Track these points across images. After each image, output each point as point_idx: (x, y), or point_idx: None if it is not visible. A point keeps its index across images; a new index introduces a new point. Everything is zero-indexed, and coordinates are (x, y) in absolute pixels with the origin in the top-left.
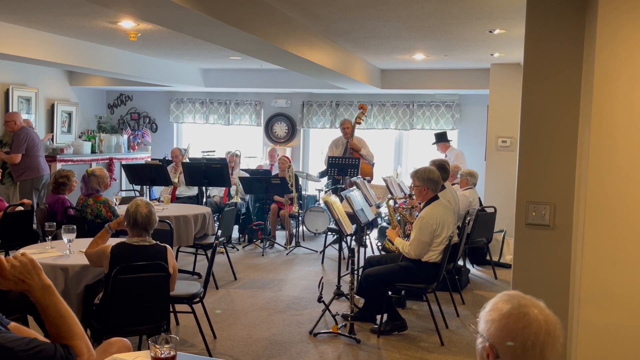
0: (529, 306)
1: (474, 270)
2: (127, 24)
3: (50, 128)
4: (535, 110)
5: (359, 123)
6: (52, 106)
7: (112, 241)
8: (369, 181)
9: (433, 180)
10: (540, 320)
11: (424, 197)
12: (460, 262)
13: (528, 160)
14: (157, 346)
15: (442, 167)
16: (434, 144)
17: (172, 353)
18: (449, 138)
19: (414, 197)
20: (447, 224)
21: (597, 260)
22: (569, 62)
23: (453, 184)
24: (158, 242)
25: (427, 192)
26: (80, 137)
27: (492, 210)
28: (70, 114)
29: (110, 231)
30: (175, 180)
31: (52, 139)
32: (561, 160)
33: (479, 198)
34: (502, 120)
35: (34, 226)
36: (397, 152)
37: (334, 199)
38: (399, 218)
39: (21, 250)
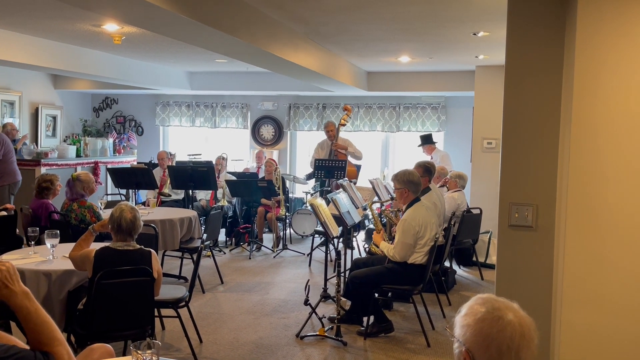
0: (502, 309)
1: (460, 272)
2: (111, 27)
3: (35, 132)
4: (517, 112)
5: (344, 125)
6: (37, 110)
7: (97, 245)
8: (355, 183)
9: (413, 182)
10: (514, 323)
11: (405, 200)
12: (447, 264)
13: (510, 162)
14: (138, 352)
15: (427, 169)
16: (419, 146)
17: (154, 359)
18: (434, 140)
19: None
20: (429, 224)
21: (579, 261)
22: (550, 64)
23: (440, 186)
24: (142, 246)
25: (408, 195)
26: (65, 140)
27: (478, 211)
28: (54, 118)
29: (94, 233)
30: (166, 190)
31: (29, 142)
32: (543, 162)
33: (466, 200)
34: (488, 121)
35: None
36: (384, 154)
37: (320, 201)
38: (384, 220)
39: (6, 256)
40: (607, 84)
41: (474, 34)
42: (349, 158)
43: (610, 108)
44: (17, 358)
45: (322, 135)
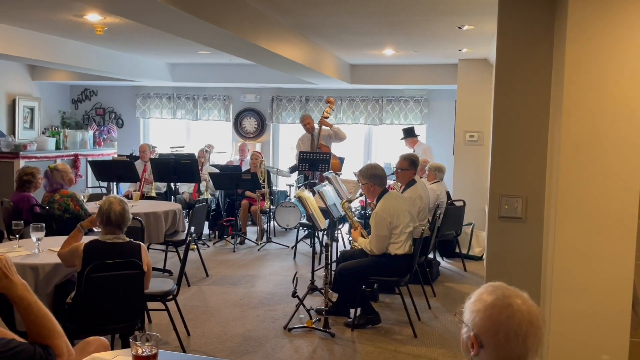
0: (512, 297)
1: (444, 263)
2: (93, 17)
3: (12, 124)
4: (507, 105)
5: (327, 117)
6: (14, 101)
7: (86, 239)
8: (339, 176)
9: (378, 175)
10: (523, 310)
11: (373, 194)
12: (431, 255)
13: (500, 154)
14: (138, 344)
15: (412, 162)
16: (402, 139)
17: (154, 351)
18: (416, 133)
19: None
20: (401, 213)
21: (568, 251)
22: (540, 57)
23: (421, 177)
24: (132, 239)
25: (375, 188)
26: (43, 133)
27: (461, 203)
28: (32, 110)
29: (82, 230)
30: (153, 193)
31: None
32: (533, 154)
33: (448, 192)
34: (470, 115)
35: None
36: (367, 147)
37: (307, 194)
38: (369, 212)
39: None
40: (598, 77)
41: (459, 28)
42: (332, 144)
43: (601, 101)
44: (17, 352)
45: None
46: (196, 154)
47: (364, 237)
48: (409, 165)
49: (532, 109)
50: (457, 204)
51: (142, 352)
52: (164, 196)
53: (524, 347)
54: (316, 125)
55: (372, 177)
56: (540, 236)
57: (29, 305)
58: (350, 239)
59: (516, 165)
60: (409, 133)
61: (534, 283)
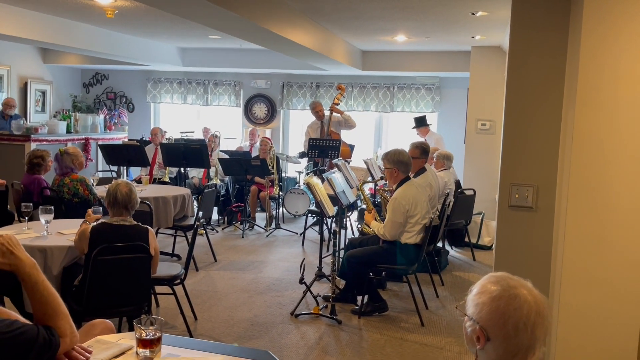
0: (518, 287)
1: (453, 252)
2: (104, 0)
3: (24, 107)
4: (520, 93)
5: (337, 104)
6: (26, 84)
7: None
8: (348, 163)
9: (403, 162)
10: (530, 301)
11: (395, 179)
12: (440, 244)
13: (512, 142)
14: (142, 327)
15: (423, 150)
16: (413, 128)
17: (158, 334)
18: (428, 122)
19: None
20: (420, 203)
21: (579, 242)
22: (554, 45)
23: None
24: (139, 223)
25: (398, 174)
26: (55, 116)
27: (471, 192)
28: (44, 93)
29: (89, 224)
30: (166, 178)
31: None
32: (544, 143)
33: (458, 181)
34: (482, 103)
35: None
36: (377, 134)
37: (316, 180)
38: (378, 200)
39: (1, 231)
40: (613, 66)
41: (473, 14)
42: (342, 131)
43: (615, 90)
44: (20, 332)
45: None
46: (202, 135)
47: (377, 221)
48: (420, 154)
49: (545, 96)
50: (467, 193)
51: (146, 335)
52: (175, 181)
53: (533, 337)
54: (327, 112)
55: (398, 162)
56: (550, 226)
57: (36, 284)
58: (359, 226)
59: (527, 154)
60: (421, 122)
61: (543, 274)
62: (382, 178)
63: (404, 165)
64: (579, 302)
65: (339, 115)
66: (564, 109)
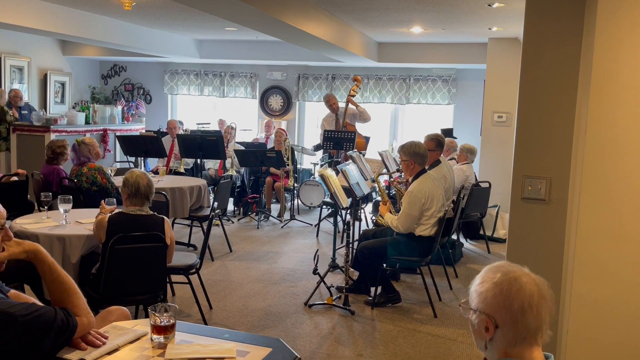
0: (516, 272)
1: (468, 245)
2: None
3: (44, 98)
4: (534, 84)
5: (353, 95)
6: (45, 76)
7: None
8: (364, 155)
9: (420, 154)
10: (530, 282)
11: (412, 172)
12: (454, 237)
13: (525, 134)
14: (156, 314)
15: (439, 143)
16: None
17: (172, 321)
18: (454, 136)
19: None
20: (436, 196)
21: (591, 235)
22: (568, 36)
23: (449, 159)
24: (155, 212)
25: (415, 166)
26: (73, 107)
27: (486, 185)
28: (63, 84)
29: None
30: (181, 169)
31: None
32: (558, 134)
33: (475, 173)
34: (499, 95)
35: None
36: (393, 126)
37: (330, 172)
38: (393, 192)
39: (21, 220)
40: (628, 56)
41: (489, 5)
42: (357, 124)
43: (631, 81)
44: (38, 315)
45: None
46: (218, 127)
47: (392, 213)
48: (436, 146)
49: (559, 87)
50: (483, 185)
51: (160, 322)
52: (191, 172)
53: (539, 318)
54: (342, 104)
55: (414, 155)
56: (563, 218)
57: (52, 263)
58: (374, 217)
59: (541, 146)
60: (447, 134)
61: (555, 266)
62: (398, 170)
63: (421, 158)
64: (591, 294)
65: (354, 107)
66: (578, 100)
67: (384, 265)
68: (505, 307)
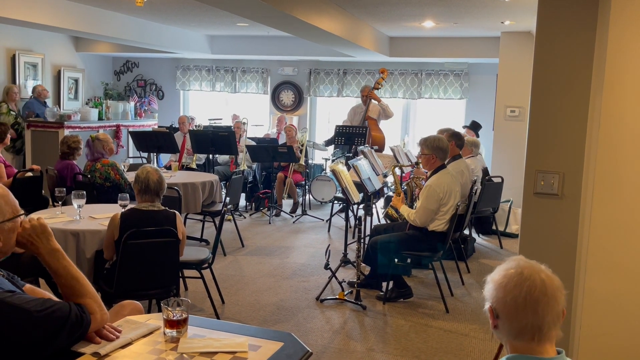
0: (526, 267)
1: (480, 240)
2: None
3: (57, 94)
4: (547, 77)
5: (378, 88)
6: (59, 72)
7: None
8: (376, 150)
9: (442, 149)
10: (535, 279)
11: (432, 166)
12: (466, 232)
13: (538, 128)
14: (169, 309)
15: (457, 136)
16: (464, 127)
17: (184, 315)
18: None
19: (420, 165)
20: (453, 192)
21: (605, 230)
22: (582, 28)
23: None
24: (167, 208)
25: (435, 161)
26: (87, 103)
27: (499, 180)
28: (76, 81)
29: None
30: (193, 165)
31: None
32: (571, 129)
33: (486, 168)
34: (512, 89)
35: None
36: (405, 121)
37: (341, 167)
38: (404, 188)
39: (36, 215)
40: None
41: None
42: (380, 116)
43: None
44: (53, 310)
45: (342, 102)
46: (231, 122)
47: (406, 206)
48: (455, 140)
49: (572, 81)
50: (495, 180)
51: (173, 316)
52: (203, 167)
53: (536, 316)
54: (358, 99)
55: (437, 149)
56: (576, 213)
57: (57, 269)
58: (384, 211)
59: (554, 140)
60: (475, 127)
61: (568, 261)
62: (417, 163)
63: (442, 152)
64: (604, 290)
65: (377, 102)
66: (591, 93)
67: (396, 260)
68: (502, 300)
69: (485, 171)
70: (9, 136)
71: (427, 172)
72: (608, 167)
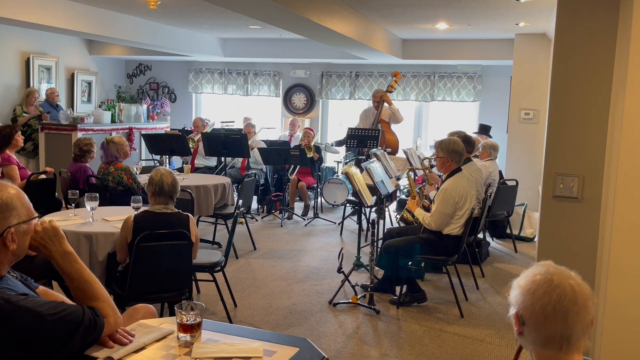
0: (556, 274)
1: (494, 244)
2: None
3: (71, 97)
4: (566, 79)
5: (391, 92)
6: (72, 75)
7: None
8: (390, 153)
9: (457, 152)
10: (565, 286)
11: (447, 169)
12: (480, 235)
13: (557, 131)
14: (183, 312)
15: (466, 140)
16: (475, 133)
17: (198, 319)
18: (490, 134)
19: (434, 168)
20: (469, 196)
21: (627, 234)
22: (603, 29)
23: (473, 156)
24: (180, 210)
25: (451, 164)
26: (100, 106)
27: (513, 183)
28: (90, 84)
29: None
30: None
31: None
32: (592, 131)
33: (500, 171)
34: (526, 92)
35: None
36: (417, 124)
37: (354, 170)
38: (417, 190)
39: (48, 218)
40: None
41: (516, 0)
42: (390, 120)
43: None
44: (66, 314)
45: (354, 104)
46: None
47: (421, 209)
48: (466, 146)
49: (592, 83)
50: (510, 183)
51: (187, 320)
52: (215, 170)
53: (565, 325)
54: (369, 102)
55: (452, 152)
56: (596, 217)
57: (70, 273)
58: (398, 216)
59: (573, 143)
60: (484, 130)
61: (588, 265)
62: (432, 166)
63: (458, 155)
64: (626, 296)
65: (388, 105)
66: (612, 94)
67: (409, 263)
68: (529, 307)
69: (499, 174)
70: (19, 139)
71: (441, 176)
72: (631, 170)
